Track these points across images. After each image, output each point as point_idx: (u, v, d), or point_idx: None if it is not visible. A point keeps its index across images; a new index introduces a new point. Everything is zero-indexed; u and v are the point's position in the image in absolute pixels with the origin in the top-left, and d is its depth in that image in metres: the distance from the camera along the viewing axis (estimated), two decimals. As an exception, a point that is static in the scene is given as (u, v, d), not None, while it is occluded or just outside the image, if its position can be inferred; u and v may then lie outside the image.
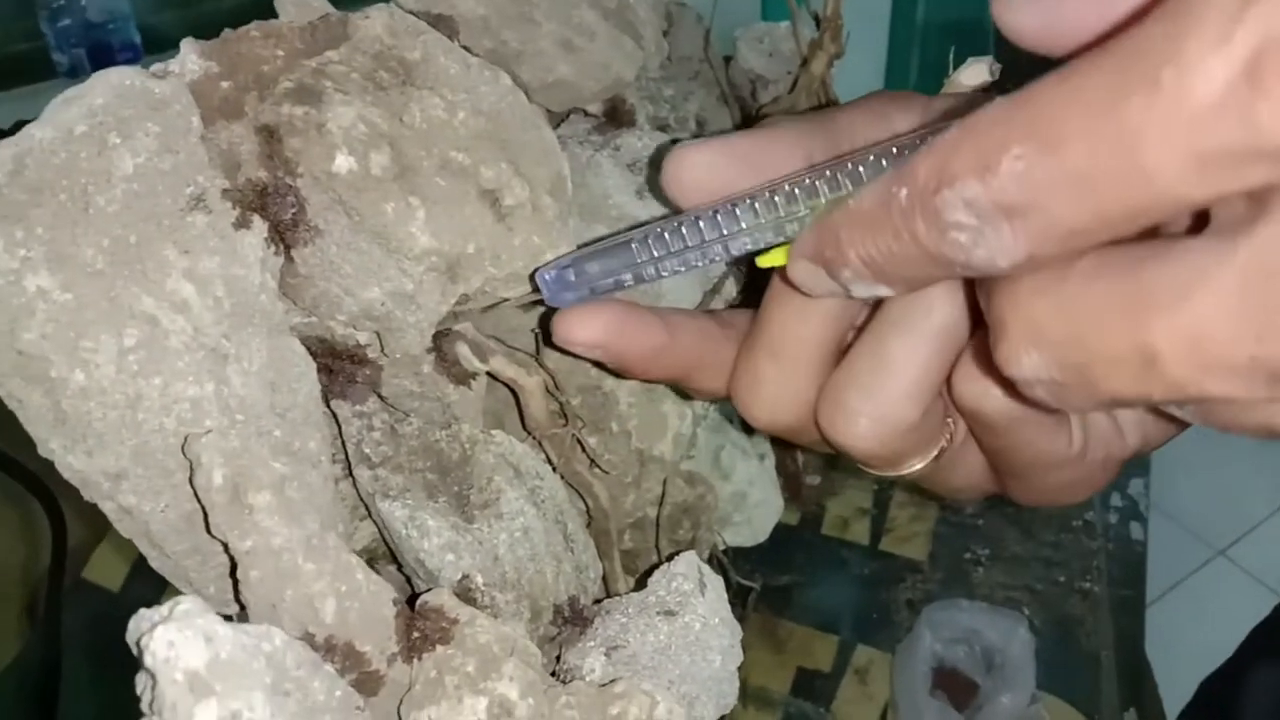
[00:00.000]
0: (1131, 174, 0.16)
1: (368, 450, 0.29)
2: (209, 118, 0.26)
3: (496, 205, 0.29)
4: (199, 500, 0.24)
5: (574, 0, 0.36)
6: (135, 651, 0.19)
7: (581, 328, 0.27)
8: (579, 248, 0.29)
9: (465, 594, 0.28)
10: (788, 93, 0.49)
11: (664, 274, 0.26)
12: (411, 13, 0.30)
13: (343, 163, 0.26)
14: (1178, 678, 0.70)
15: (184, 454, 0.24)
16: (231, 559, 0.24)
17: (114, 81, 0.24)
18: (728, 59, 0.51)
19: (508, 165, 0.29)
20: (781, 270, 0.25)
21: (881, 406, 0.26)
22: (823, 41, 0.46)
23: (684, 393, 0.38)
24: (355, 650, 0.24)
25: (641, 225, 0.26)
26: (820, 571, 0.63)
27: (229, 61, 0.27)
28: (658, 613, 0.29)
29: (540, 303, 0.29)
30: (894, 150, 0.23)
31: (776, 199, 0.24)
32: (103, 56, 1.16)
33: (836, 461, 0.64)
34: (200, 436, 0.23)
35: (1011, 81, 0.21)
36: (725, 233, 0.24)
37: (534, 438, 0.34)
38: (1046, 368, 0.19)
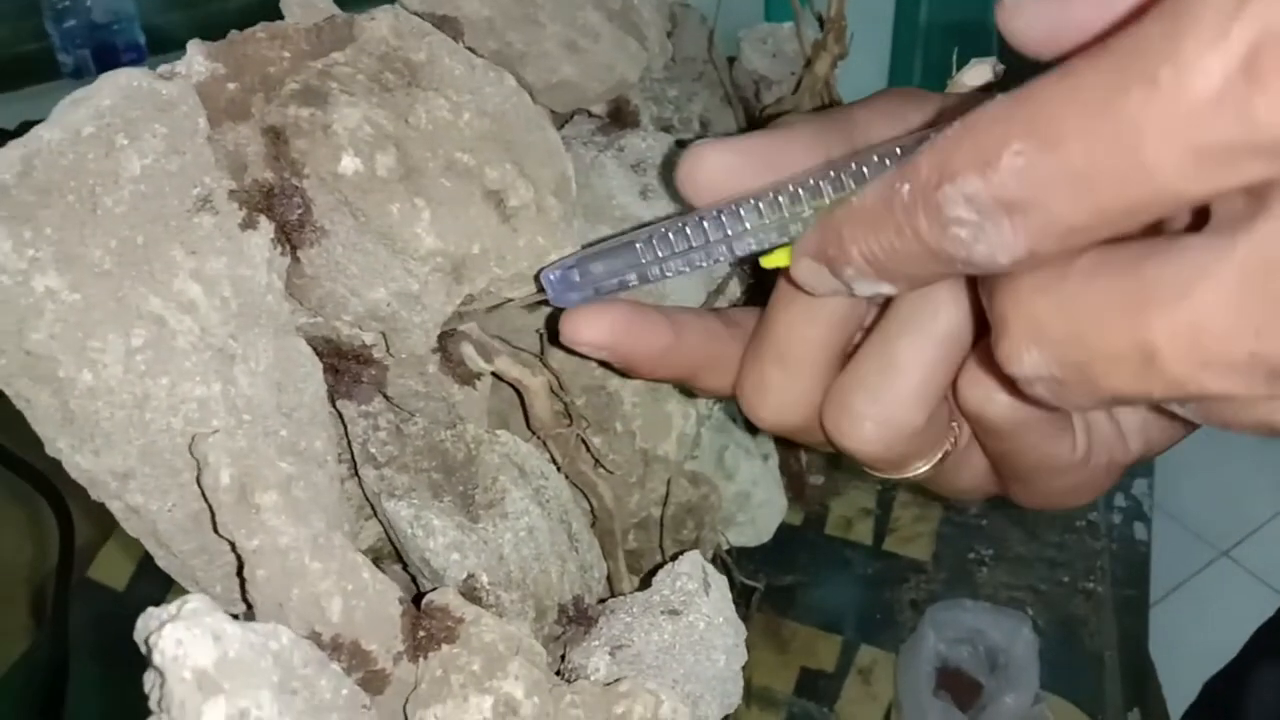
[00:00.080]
0: (1130, 170, 0.16)
1: (373, 450, 0.29)
2: (215, 119, 0.26)
3: (501, 206, 0.29)
4: (206, 500, 0.24)
5: (578, 1, 0.36)
6: (143, 650, 0.19)
7: (587, 328, 0.27)
8: (583, 248, 0.29)
9: (470, 593, 0.28)
10: (791, 93, 0.49)
11: (668, 274, 0.26)
12: (416, 14, 0.30)
13: (348, 164, 0.26)
14: (1181, 678, 0.69)
15: (191, 453, 0.24)
16: (238, 558, 0.24)
17: (121, 83, 0.24)
18: (731, 60, 0.51)
19: (512, 166, 0.29)
20: (786, 271, 0.25)
21: (887, 410, 0.26)
22: (826, 42, 0.46)
23: (689, 392, 0.38)
24: (361, 649, 0.24)
25: (646, 225, 0.26)
26: (824, 571, 0.63)
27: (235, 63, 0.27)
28: (662, 612, 0.30)
29: (545, 303, 0.29)
30: (897, 150, 0.23)
31: (780, 199, 0.24)
32: (107, 57, 1.16)
33: (840, 462, 0.64)
34: (207, 436, 0.24)
35: (1014, 83, 0.21)
36: (730, 233, 0.25)
37: (539, 438, 0.34)
38: (1047, 365, 0.19)
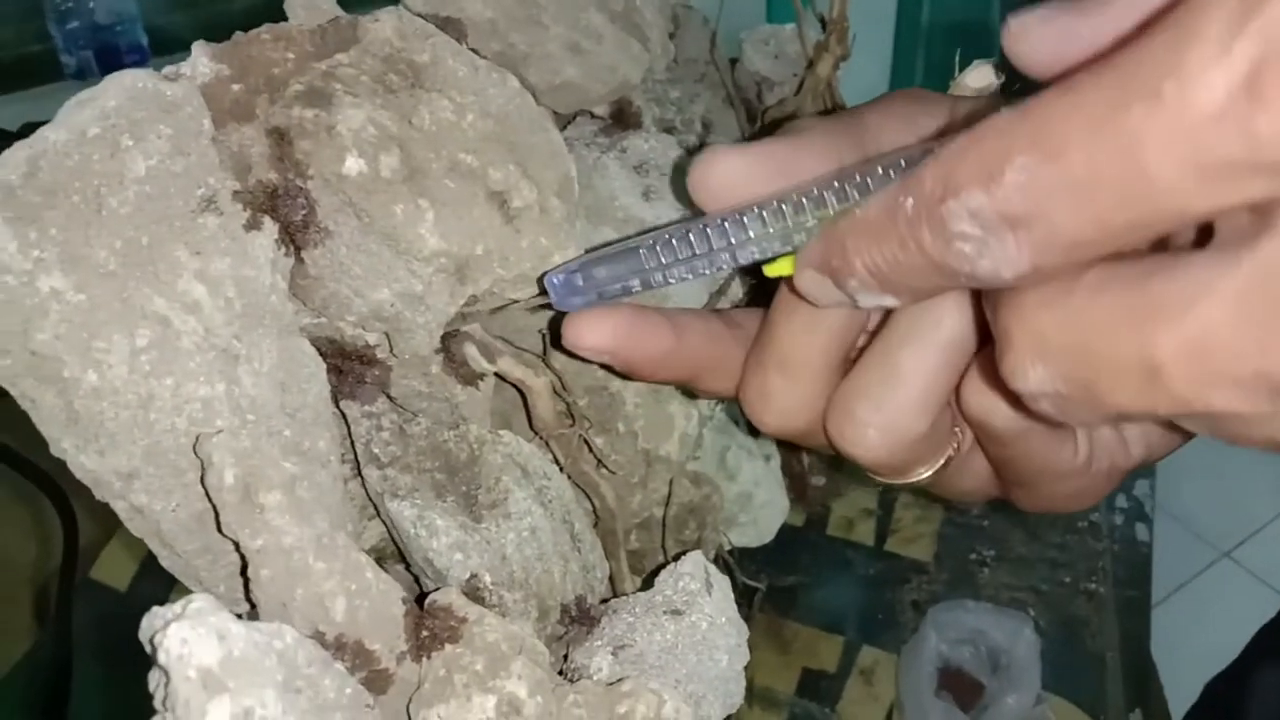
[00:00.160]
0: (1133, 185, 0.16)
1: (376, 450, 0.29)
2: (220, 120, 0.26)
3: (505, 207, 0.29)
4: (210, 499, 0.24)
5: (581, 3, 0.36)
6: (148, 649, 0.19)
7: (590, 332, 0.27)
8: (586, 252, 0.29)
9: (473, 593, 0.28)
10: (793, 95, 0.49)
11: (671, 281, 0.26)
12: (420, 16, 0.30)
13: (352, 165, 0.26)
14: (1183, 679, 0.69)
15: (195, 453, 0.24)
16: (242, 558, 0.24)
17: (126, 84, 0.24)
18: (733, 61, 0.51)
19: (516, 167, 0.29)
20: (789, 280, 0.25)
21: (890, 417, 0.26)
22: (828, 43, 0.46)
23: (691, 393, 0.38)
24: (365, 649, 0.24)
25: (650, 231, 0.26)
26: (825, 572, 0.63)
27: (240, 64, 0.27)
28: (664, 612, 0.30)
29: (548, 306, 0.29)
30: (901, 162, 0.23)
31: (785, 208, 0.24)
32: (110, 58, 1.16)
33: (842, 464, 0.64)
34: (211, 436, 0.24)
35: (1018, 84, 0.21)
36: (733, 241, 0.25)
37: (541, 438, 0.34)
38: (1052, 381, 0.19)
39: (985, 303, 0.22)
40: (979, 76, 0.34)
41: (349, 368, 0.29)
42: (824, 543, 0.65)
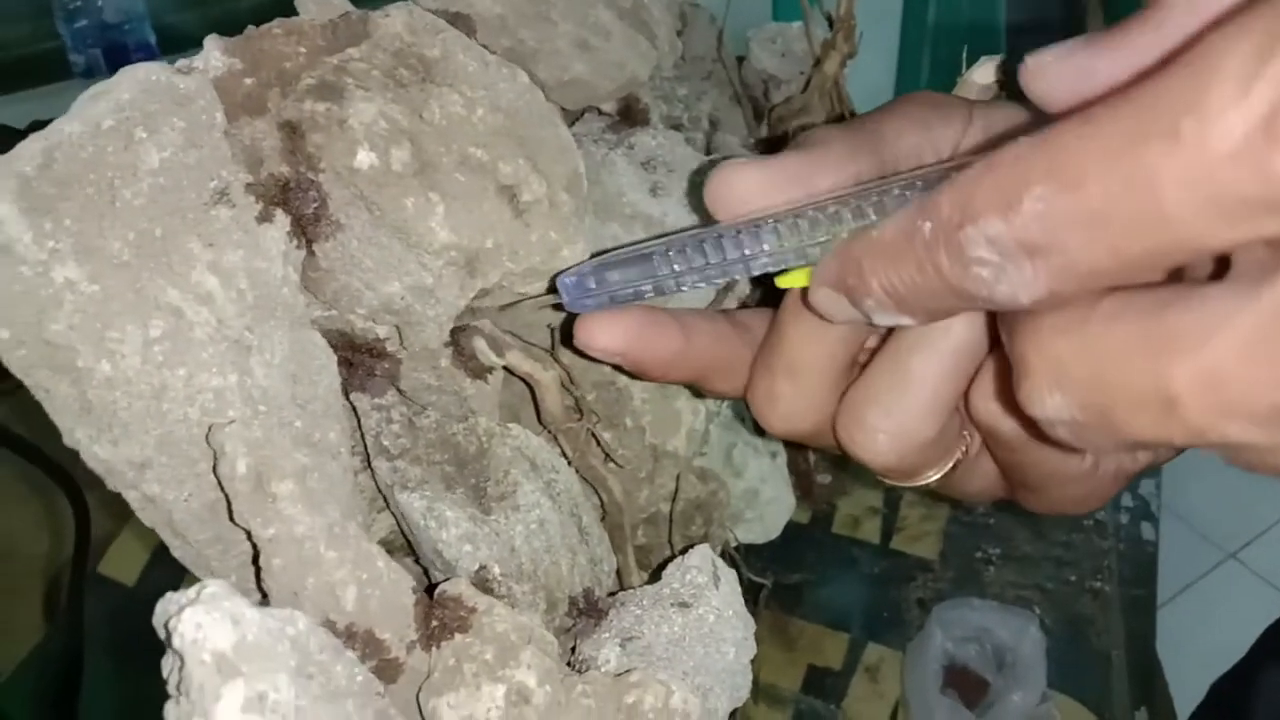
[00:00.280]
0: (1149, 217, 0.16)
1: (386, 442, 0.30)
2: (232, 113, 0.26)
3: (514, 201, 0.29)
4: (222, 489, 0.24)
5: (590, 0, 0.36)
6: (161, 635, 0.20)
7: (601, 335, 0.28)
8: (593, 256, 0.29)
9: (482, 584, 0.28)
10: (800, 92, 0.49)
11: (684, 288, 0.26)
12: (430, 11, 0.30)
13: (364, 158, 0.27)
14: (1188, 679, 0.70)
15: (208, 443, 0.24)
16: (254, 547, 0.24)
17: (140, 77, 0.24)
18: (741, 59, 0.51)
19: (525, 161, 0.29)
20: (801, 291, 0.25)
21: (900, 423, 0.26)
22: (835, 41, 0.46)
23: (696, 393, 0.38)
24: (375, 638, 0.24)
25: (663, 237, 0.26)
26: (831, 570, 0.63)
27: (252, 58, 0.27)
28: (672, 605, 0.30)
29: (559, 305, 0.29)
30: (918, 183, 0.23)
31: (801, 223, 0.24)
32: (118, 57, 1.16)
33: (848, 463, 0.64)
34: (224, 426, 0.24)
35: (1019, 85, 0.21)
36: (748, 253, 0.25)
37: (549, 432, 0.34)
38: (1069, 408, 0.19)
39: (1000, 326, 0.22)
40: (985, 73, 0.35)
41: (359, 360, 0.29)
42: (829, 540, 0.65)
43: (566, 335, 0.29)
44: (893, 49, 1.60)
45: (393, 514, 0.30)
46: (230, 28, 0.28)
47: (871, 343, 0.28)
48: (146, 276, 0.24)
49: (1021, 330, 0.20)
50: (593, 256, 0.29)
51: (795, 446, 0.54)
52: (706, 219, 0.27)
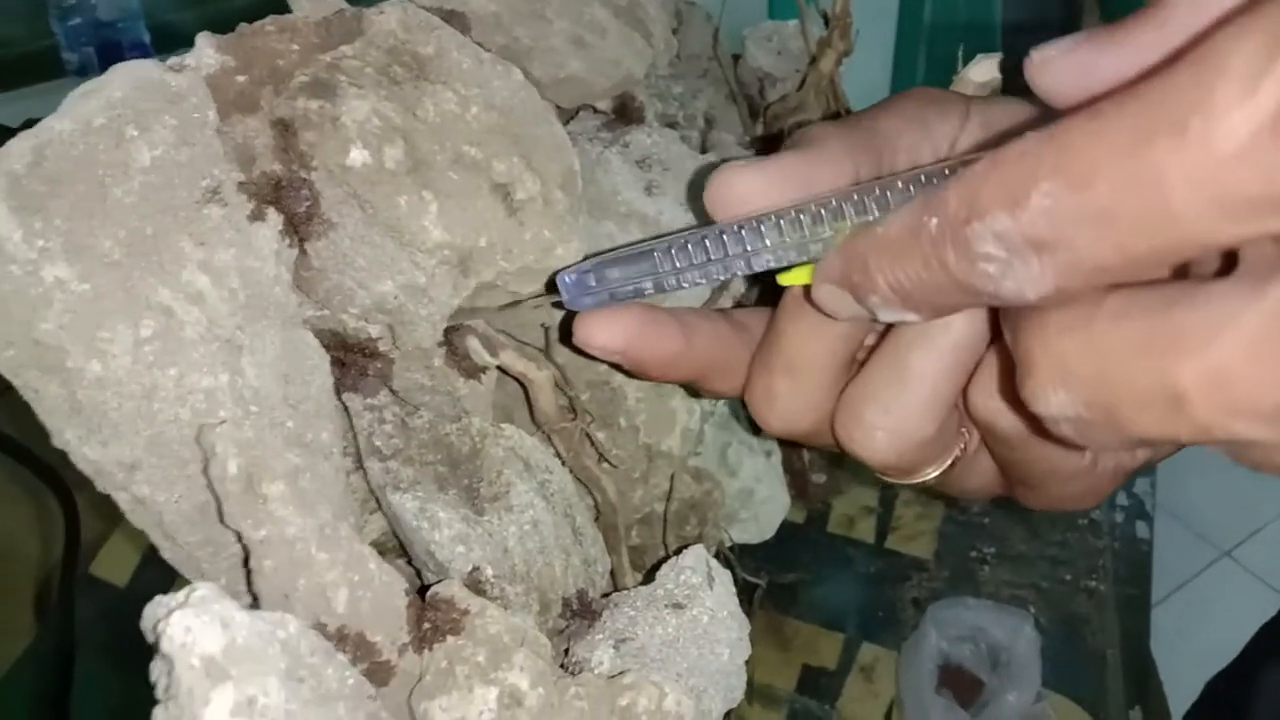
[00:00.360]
0: (1157, 214, 0.16)
1: (379, 443, 0.29)
2: (225, 111, 0.26)
3: (508, 199, 0.29)
4: (212, 490, 0.24)
5: (585, -3, 0.36)
6: (150, 638, 0.19)
7: (601, 332, 0.27)
8: (597, 254, 0.29)
9: (475, 586, 0.28)
10: (796, 91, 0.49)
11: (684, 285, 0.26)
12: (425, 8, 0.30)
13: (357, 156, 0.26)
14: (1183, 678, 0.70)
15: (198, 444, 0.24)
16: (245, 549, 0.24)
17: (132, 74, 0.24)
18: (736, 57, 0.51)
19: (519, 160, 0.29)
20: (802, 289, 0.25)
21: (899, 420, 0.26)
22: (831, 39, 0.46)
23: (693, 393, 0.38)
24: (366, 640, 0.24)
25: (662, 236, 0.26)
26: (826, 569, 0.63)
27: (244, 56, 0.27)
28: (666, 606, 0.30)
29: (559, 304, 0.29)
30: (920, 178, 0.23)
31: (802, 219, 0.24)
32: (112, 55, 1.16)
33: (844, 460, 0.64)
34: (215, 427, 0.24)
35: (1019, 85, 0.21)
36: (749, 249, 0.25)
37: (543, 432, 0.34)
38: (1073, 406, 0.19)
39: (1004, 324, 0.22)
40: (982, 71, 0.34)
41: (352, 360, 0.29)
42: (825, 540, 0.65)
43: (565, 333, 0.29)
44: (888, 47, 1.61)
45: (385, 515, 0.30)
46: (224, 25, 0.28)
47: (869, 341, 0.28)
48: (137, 275, 0.24)
49: (1026, 327, 0.20)
50: (588, 256, 0.29)
51: (790, 446, 0.53)
52: (705, 220, 0.26)
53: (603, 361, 0.30)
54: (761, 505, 0.48)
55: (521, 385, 0.33)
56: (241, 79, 0.27)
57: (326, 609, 0.24)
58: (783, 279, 0.25)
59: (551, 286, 0.29)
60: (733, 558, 0.46)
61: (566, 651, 0.30)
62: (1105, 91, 0.19)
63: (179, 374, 0.24)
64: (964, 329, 0.25)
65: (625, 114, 0.40)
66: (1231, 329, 0.17)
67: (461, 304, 0.30)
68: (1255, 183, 0.15)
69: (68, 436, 0.24)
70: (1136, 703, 0.59)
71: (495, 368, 0.32)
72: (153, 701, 0.20)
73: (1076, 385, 0.19)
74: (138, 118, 0.24)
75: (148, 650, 0.20)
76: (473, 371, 0.31)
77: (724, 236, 0.25)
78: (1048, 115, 0.19)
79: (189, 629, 0.19)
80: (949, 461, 0.28)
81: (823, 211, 0.24)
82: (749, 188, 0.25)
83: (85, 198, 0.23)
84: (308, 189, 0.26)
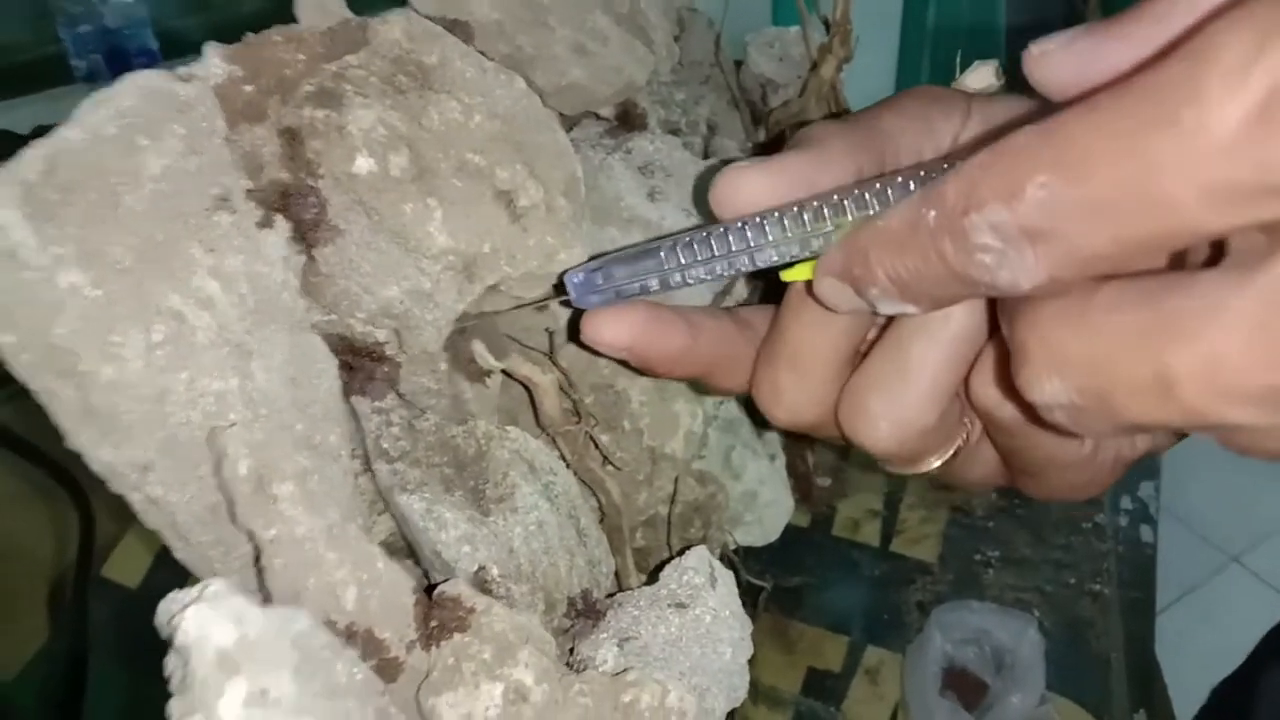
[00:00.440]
0: (1150, 204, 0.17)
1: (386, 445, 0.30)
2: (232, 120, 0.27)
3: (512, 206, 0.29)
4: (223, 491, 0.24)
5: (587, 5, 0.37)
6: (165, 633, 0.20)
7: (609, 329, 0.28)
8: (591, 258, 0.29)
9: (481, 585, 0.28)
10: (798, 96, 0.49)
11: (690, 282, 0.27)
12: (428, 18, 0.30)
13: (363, 164, 0.27)
14: (1189, 682, 0.70)
15: (209, 446, 0.24)
16: (255, 548, 0.24)
17: (141, 84, 0.25)
18: (738, 63, 0.51)
19: (523, 167, 0.29)
20: (805, 284, 0.26)
21: (901, 410, 0.26)
22: (833, 46, 0.47)
23: (699, 390, 0.38)
24: (375, 637, 0.24)
25: (670, 235, 0.27)
26: (831, 573, 0.63)
27: (252, 65, 0.27)
28: (669, 605, 0.30)
29: (566, 303, 0.29)
30: (921, 173, 0.23)
31: (805, 215, 0.24)
32: (120, 62, 1.16)
33: (849, 455, 0.64)
34: (225, 429, 0.24)
35: (1020, 87, 0.22)
36: (753, 245, 0.25)
37: (548, 434, 0.34)
38: (1067, 393, 0.20)
39: (1000, 314, 0.22)
40: (979, 78, 0.35)
41: (359, 364, 0.30)
42: (829, 543, 0.65)
43: (573, 332, 0.30)
44: (892, 53, 1.61)
45: (393, 516, 0.30)
46: (231, 32, 0.28)
47: (872, 334, 0.29)
48: (149, 281, 0.24)
49: (1021, 316, 0.21)
50: (594, 257, 0.29)
51: (795, 449, 0.54)
52: (709, 221, 0.27)
53: (609, 358, 0.30)
54: (766, 508, 0.48)
55: (526, 389, 0.33)
56: (249, 89, 0.27)
57: (336, 606, 0.24)
58: (786, 275, 0.26)
59: (559, 286, 0.30)
60: (738, 560, 0.47)
61: (571, 650, 0.30)
62: (1102, 85, 0.19)
63: (190, 377, 0.24)
64: (964, 320, 0.25)
65: (628, 121, 0.41)
66: (1220, 316, 0.17)
67: (466, 309, 0.30)
68: (1246, 171, 0.16)
69: (81, 438, 0.24)
70: (1141, 706, 0.59)
71: (500, 371, 0.32)
72: (164, 701, 0.20)
73: (1070, 373, 0.20)
74: (148, 127, 0.24)
75: (160, 651, 0.21)
76: (478, 375, 0.32)
77: (728, 233, 0.25)
78: (1046, 109, 0.19)
79: (203, 623, 0.19)
80: (951, 451, 0.29)
81: (824, 208, 0.24)
82: (753, 187, 0.26)
83: (97, 205, 0.24)
84: (315, 196, 0.27)
